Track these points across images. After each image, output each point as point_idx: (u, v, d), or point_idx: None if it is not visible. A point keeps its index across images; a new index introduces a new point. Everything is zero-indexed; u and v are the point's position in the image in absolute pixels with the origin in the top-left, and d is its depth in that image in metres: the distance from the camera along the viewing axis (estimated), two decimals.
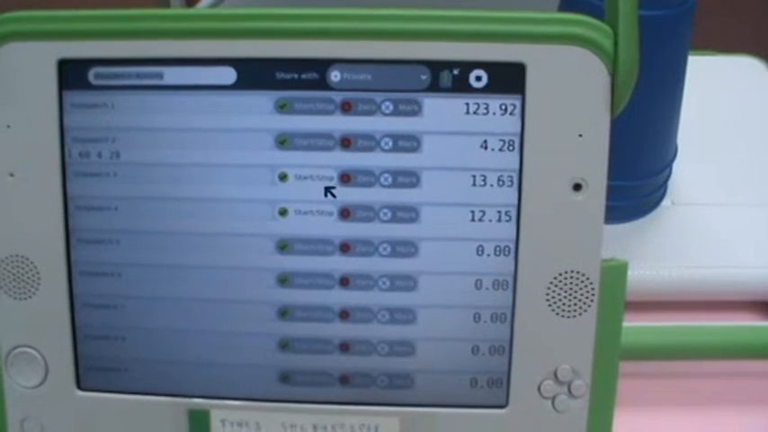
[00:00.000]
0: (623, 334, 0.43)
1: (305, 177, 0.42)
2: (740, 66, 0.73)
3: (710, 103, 0.68)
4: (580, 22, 0.40)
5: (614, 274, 0.42)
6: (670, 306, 0.56)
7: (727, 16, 1.44)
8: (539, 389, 0.43)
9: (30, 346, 0.44)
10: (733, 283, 0.56)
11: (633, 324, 0.49)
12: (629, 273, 0.43)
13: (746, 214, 0.60)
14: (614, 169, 0.42)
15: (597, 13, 0.41)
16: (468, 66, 0.41)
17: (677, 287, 0.56)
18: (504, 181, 0.41)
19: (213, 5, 0.89)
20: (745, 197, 0.61)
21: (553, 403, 0.43)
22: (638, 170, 0.57)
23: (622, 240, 0.57)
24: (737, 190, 0.61)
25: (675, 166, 0.60)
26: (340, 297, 0.43)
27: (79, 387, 0.44)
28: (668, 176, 0.60)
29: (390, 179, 0.42)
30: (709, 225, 0.59)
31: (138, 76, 0.42)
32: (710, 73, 0.71)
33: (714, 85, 0.70)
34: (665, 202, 0.60)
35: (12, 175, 0.42)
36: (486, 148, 0.41)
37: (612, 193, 0.42)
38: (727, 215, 0.60)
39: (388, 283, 0.42)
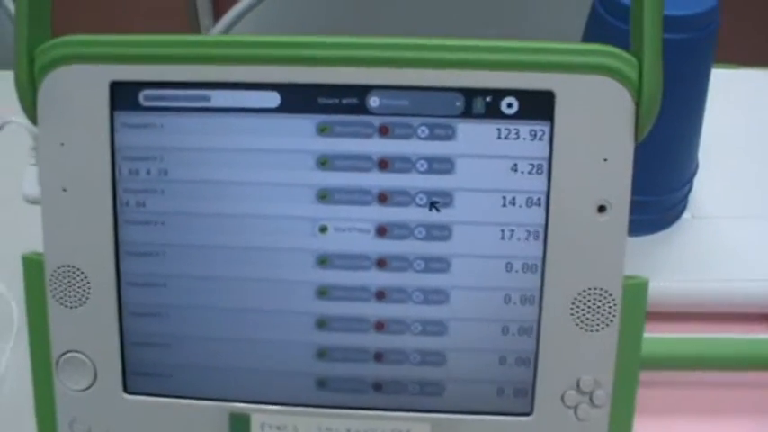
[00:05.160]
0: (643, 344, 0.45)
1: (344, 196, 0.44)
2: (761, 79, 0.75)
3: (731, 116, 0.69)
4: (607, 53, 0.42)
5: (636, 290, 0.44)
6: (690, 317, 0.58)
7: (750, 28, 1.44)
8: (562, 398, 0.45)
9: (79, 352, 0.46)
10: (753, 295, 0.58)
11: (653, 335, 0.50)
12: (651, 284, 0.44)
13: (766, 228, 0.61)
14: (637, 185, 0.43)
15: (623, 37, 0.43)
16: (500, 93, 0.43)
17: (697, 299, 0.58)
18: (532, 202, 0.43)
19: (230, 24, 0.91)
20: (765, 211, 0.62)
21: (575, 412, 0.45)
22: (660, 185, 0.59)
23: (644, 253, 0.59)
24: (757, 203, 0.63)
25: (696, 179, 0.62)
26: (375, 309, 0.45)
27: (126, 391, 0.47)
28: (689, 191, 0.62)
29: (425, 199, 0.44)
30: (729, 238, 0.60)
31: (187, 98, 0.44)
32: (731, 86, 0.72)
33: (735, 99, 0.71)
34: (686, 216, 0.62)
35: (65, 190, 0.45)
36: (516, 171, 0.43)
37: (635, 207, 0.44)
38: (747, 228, 0.61)
39: (421, 297, 0.44)
